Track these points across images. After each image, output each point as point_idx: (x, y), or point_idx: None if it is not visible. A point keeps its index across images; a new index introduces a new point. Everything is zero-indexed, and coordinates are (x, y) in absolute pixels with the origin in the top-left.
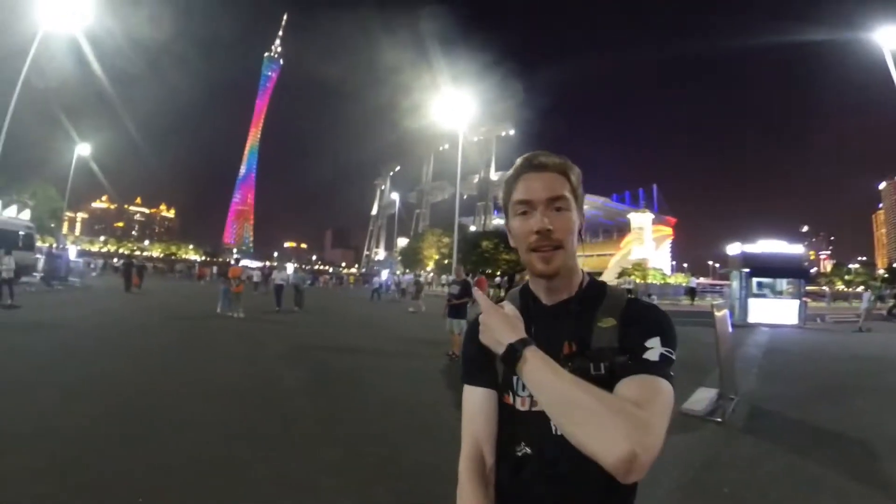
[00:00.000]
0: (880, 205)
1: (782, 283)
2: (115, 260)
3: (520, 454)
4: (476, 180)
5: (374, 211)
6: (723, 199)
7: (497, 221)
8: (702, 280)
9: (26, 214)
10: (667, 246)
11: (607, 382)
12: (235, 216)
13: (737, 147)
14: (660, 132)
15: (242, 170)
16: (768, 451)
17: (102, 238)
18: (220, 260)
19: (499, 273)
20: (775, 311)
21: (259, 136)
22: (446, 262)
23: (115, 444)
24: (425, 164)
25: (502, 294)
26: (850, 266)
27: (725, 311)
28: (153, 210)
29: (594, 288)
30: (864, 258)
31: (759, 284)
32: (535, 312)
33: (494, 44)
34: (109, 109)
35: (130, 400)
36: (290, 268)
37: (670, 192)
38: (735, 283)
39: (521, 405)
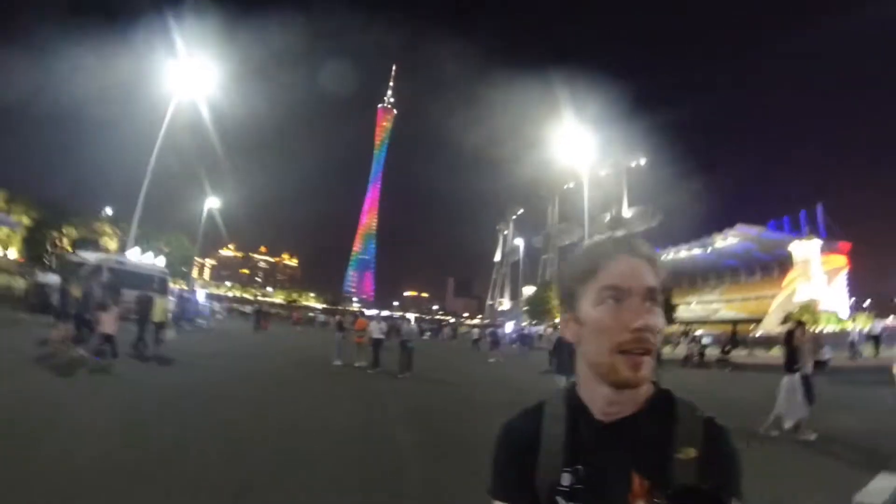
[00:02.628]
0: None
1: None
2: (244, 306)
3: None
4: (607, 219)
5: (498, 258)
6: None
7: None
8: (892, 322)
9: (162, 261)
10: (842, 280)
11: None
12: (356, 264)
13: None
14: (820, 137)
15: (364, 219)
16: None
17: (228, 283)
18: (341, 308)
19: None
20: None
21: (379, 185)
22: None
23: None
24: (550, 205)
25: None
26: None
27: None
28: (276, 259)
29: (662, 402)
30: None
31: None
32: (588, 430)
33: (618, 64)
34: (236, 165)
35: (246, 440)
36: (412, 319)
37: (841, 210)
38: None
39: None
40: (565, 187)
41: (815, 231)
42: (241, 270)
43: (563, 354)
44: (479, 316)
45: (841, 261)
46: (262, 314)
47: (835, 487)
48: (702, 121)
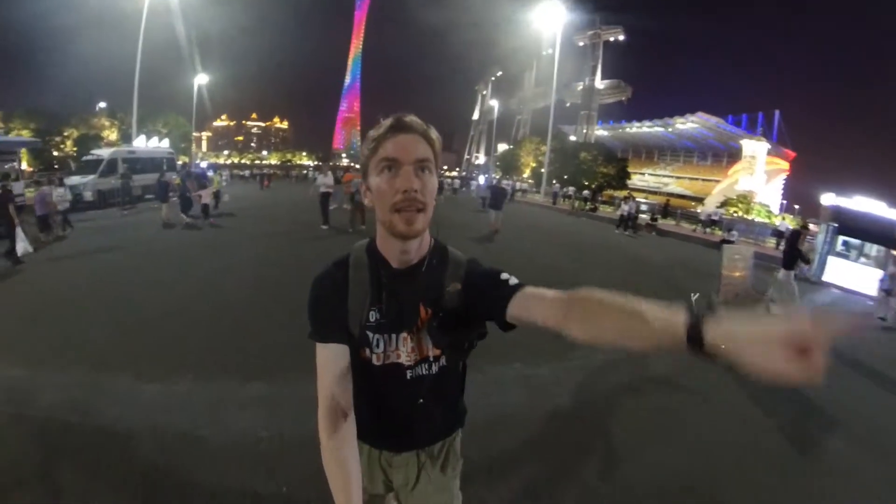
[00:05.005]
0: None
1: (872, 249)
2: (242, 171)
3: (377, 401)
4: (580, 88)
5: (476, 116)
6: (859, 140)
7: (600, 132)
8: (812, 227)
9: (166, 143)
10: (780, 181)
11: (458, 340)
12: (343, 123)
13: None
14: (794, 49)
15: (347, 79)
16: (720, 382)
17: (226, 152)
18: (332, 164)
19: (592, 186)
20: (854, 275)
21: (361, 46)
22: (542, 170)
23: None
24: (528, 69)
25: (587, 207)
26: None
27: (743, 250)
28: (268, 123)
29: (439, 252)
30: None
31: (846, 244)
32: (387, 276)
33: None
34: (221, 36)
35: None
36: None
37: (795, 122)
38: (820, 237)
39: (377, 360)
40: (544, 53)
41: (767, 134)
42: (235, 138)
43: (496, 196)
44: (457, 169)
45: (784, 165)
46: (265, 175)
47: None
48: (685, 9)
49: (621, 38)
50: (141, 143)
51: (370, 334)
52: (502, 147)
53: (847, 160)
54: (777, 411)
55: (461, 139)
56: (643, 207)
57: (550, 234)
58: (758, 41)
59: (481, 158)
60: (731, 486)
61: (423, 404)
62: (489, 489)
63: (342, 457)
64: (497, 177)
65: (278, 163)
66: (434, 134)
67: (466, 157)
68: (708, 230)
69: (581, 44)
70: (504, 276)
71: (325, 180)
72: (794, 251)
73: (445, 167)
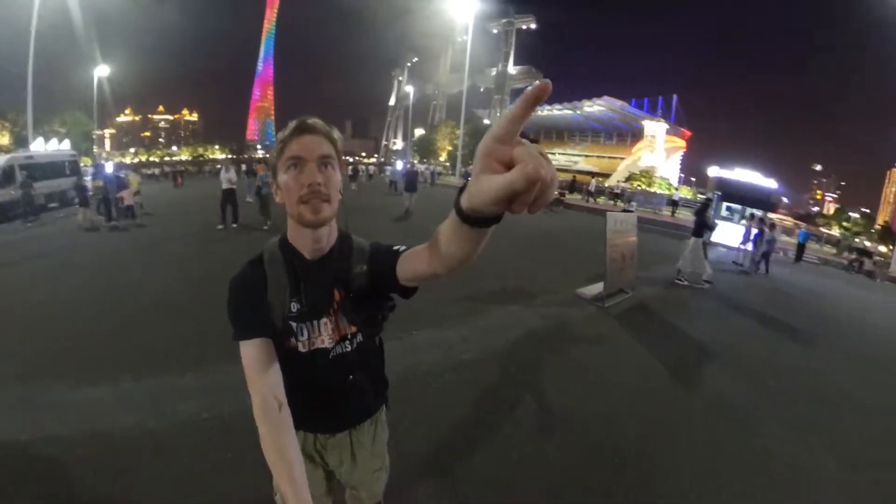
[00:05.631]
0: None
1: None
2: (150, 168)
3: (308, 386)
4: (494, 73)
5: (392, 102)
6: (743, 121)
7: None
8: (710, 196)
9: (66, 144)
10: (677, 158)
11: (371, 315)
12: (256, 113)
13: (771, 71)
14: (692, 41)
15: (259, 66)
16: (614, 331)
17: (132, 149)
18: (247, 157)
19: None
20: (729, 234)
21: (273, 31)
22: (458, 153)
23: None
24: (443, 55)
25: None
26: (851, 214)
27: (626, 216)
28: (176, 116)
29: (345, 240)
30: (868, 210)
31: (729, 209)
32: (301, 268)
33: None
34: (121, 24)
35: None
36: None
37: (691, 106)
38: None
39: (303, 347)
40: (459, 39)
41: (666, 115)
42: (142, 134)
43: (410, 179)
44: (376, 155)
45: (681, 143)
46: (178, 173)
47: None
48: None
49: (533, 26)
50: (39, 147)
51: (294, 324)
52: (419, 132)
53: (733, 138)
54: (665, 349)
55: (378, 125)
56: None
57: None
58: (659, 32)
59: (399, 144)
60: (624, 420)
61: (352, 381)
62: (413, 441)
63: (282, 446)
64: (414, 161)
65: (190, 158)
66: (336, 134)
67: (384, 143)
68: (610, 202)
69: (494, 31)
70: (395, 247)
71: (227, 175)
72: (702, 221)
73: (364, 154)
